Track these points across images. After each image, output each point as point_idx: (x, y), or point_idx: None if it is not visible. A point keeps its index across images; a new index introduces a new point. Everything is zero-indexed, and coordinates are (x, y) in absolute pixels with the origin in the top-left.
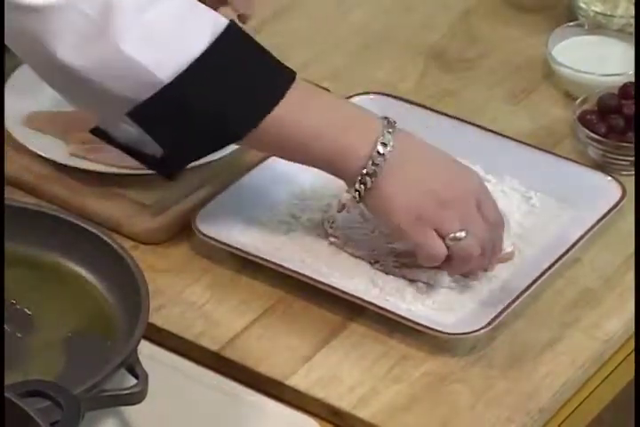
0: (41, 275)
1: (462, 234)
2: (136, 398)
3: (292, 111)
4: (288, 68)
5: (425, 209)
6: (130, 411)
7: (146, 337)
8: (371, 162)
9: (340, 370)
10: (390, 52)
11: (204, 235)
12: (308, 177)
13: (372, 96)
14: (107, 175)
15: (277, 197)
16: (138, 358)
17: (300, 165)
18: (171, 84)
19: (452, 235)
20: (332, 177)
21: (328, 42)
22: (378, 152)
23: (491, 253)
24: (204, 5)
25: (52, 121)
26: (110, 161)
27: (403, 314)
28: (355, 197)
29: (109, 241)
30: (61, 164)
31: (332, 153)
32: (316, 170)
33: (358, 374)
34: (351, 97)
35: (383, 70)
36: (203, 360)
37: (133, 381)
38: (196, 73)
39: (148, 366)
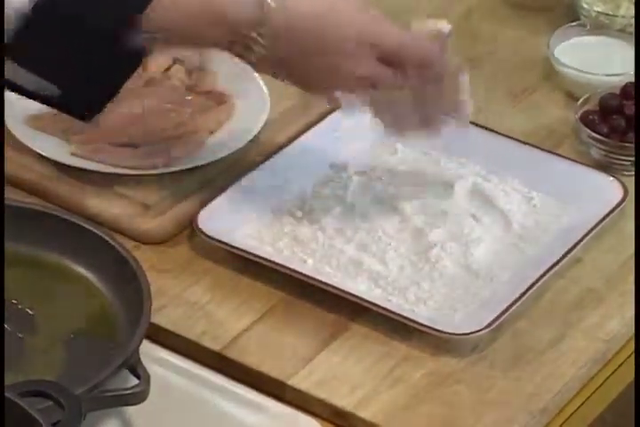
0: (42, 275)
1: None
2: (138, 398)
3: None
4: None
5: (327, 88)
6: (131, 411)
7: (147, 337)
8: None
9: (341, 370)
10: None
11: (206, 235)
12: (310, 178)
13: None
14: (108, 175)
15: (279, 198)
16: (139, 359)
17: (302, 166)
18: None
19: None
20: (328, 179)
21: None
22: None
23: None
24: None
25: (53, 121)
26: (112, 161)
27: (405, 314)
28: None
29: (111, 241)
30: (63, 163)
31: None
32: (317, 171)
33: (360, 375)
34: None
35: None
36: (204, 360)
37: (135, 381)
38: None
39: (150, 367)
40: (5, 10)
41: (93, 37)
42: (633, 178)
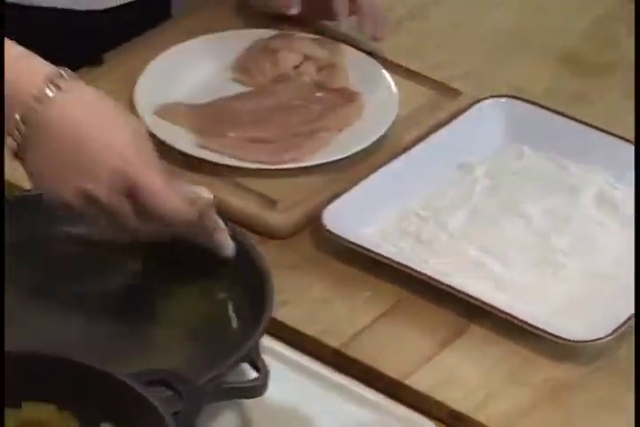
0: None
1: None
2: (256, 391)
3: None
4: None
5: (69, 202)
6: (248, 404)
7: (268, 332)
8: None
9: (460, 372)
10: (524, 55)
11: (330, 232)
12: (436, 178)
13: (503, 99)
14: (236, 169)
15: (404, 197)
16: (260, 353)
17: (429, 166)
18: None
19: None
20: (455, 180)
21: (462, 43)
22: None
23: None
24: None
25: (185, 113)
26: (241, 155)
27: (525, 319)
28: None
29: (236, 235)
30: (192, 156)
31: None
32: (443, 172)
33: (479, 377)
34: (483, 99)
35: (516, 73)
36: (323, 357)
37: (254, 375)
38: None
39: (269, 361)
40: None
41: None
42: None
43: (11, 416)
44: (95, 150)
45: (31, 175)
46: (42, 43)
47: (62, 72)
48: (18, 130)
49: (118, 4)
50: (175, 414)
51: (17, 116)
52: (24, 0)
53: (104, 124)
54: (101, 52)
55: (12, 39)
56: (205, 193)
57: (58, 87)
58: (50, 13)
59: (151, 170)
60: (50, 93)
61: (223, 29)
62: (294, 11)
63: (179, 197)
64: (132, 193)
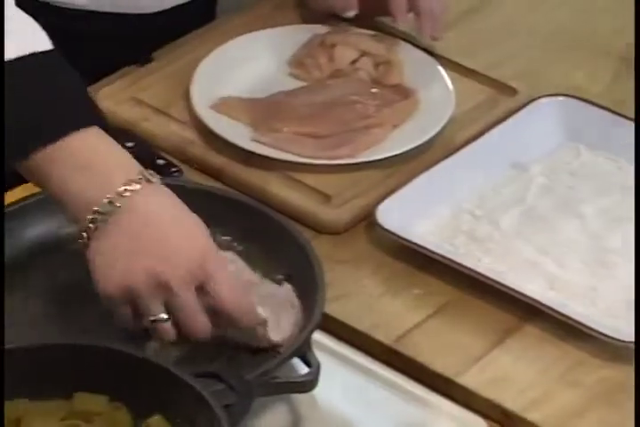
0: None
1: (162, 316)
2: (307, 386)
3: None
4: (88, 116)
5: (126, 288)
6: (297, 399)
7: (319, 327)
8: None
9: (512, 371)
10: (582, 55)
11: (384, 228)
12: (491, 176)
13: (560, 98)
14: (291, 164)
15: (458, 195)
16: (311, 347)
17: (484, 165)
18: None
19: (151, 317)
20: (509, 179)
21: (519, 42)
22: (94, 220)
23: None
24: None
25: (241, 107)
26: (296, 150)
27: (579, 319)
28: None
29: (290, 229)
30: (247, 150)
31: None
32: (498, 170)
33: (531, 377)
34: (539, 98)
35: (573, 72)
36: (374, 353)
37: (305, 369)
38: None
39: (320, 356)
40: None
41: None
42: None
43: (62, 407)
44: (178, 239)
45: (95, 260)
46: (94, 44)
47: (148, 173)
48: (95, 211)
49: (169, 6)
50: (226, 407)
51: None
52: (78, 5)
53: (186, 219)
54: (151, 52)
55: (68, 41)
56: (261, 311)
57: (147, 180)
58: (104, 16)
59: (226, 270)
60: (137, 186)
61: (280, 25)
62: (352, 13)
63: (250, 301)
64: (204, 288)
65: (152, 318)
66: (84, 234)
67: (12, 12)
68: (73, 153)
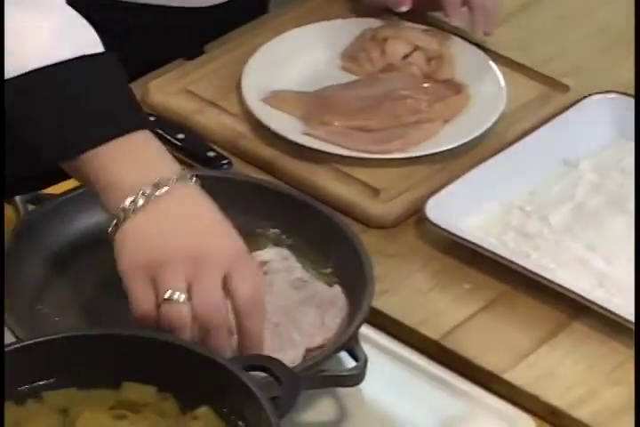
0: None
1: (176, 297)
2: (354, 380)
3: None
4: (136, 118)
5: (153, 260)
6: (343, 393)
7: (366, 321)
8: (133, 198)
9: (559, 368)
10: (633, 52)
11: (433, 223)
12: (541, 173)
13: (611, 95)
14: (342, 158)
15: (508, 191)
16: (359, 341)
17: (534, 161)
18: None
19: (165, 295)
20: (559, 176)
21: (573, 38)
22: (142, 192)
23: (214, 328)
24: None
25: (292, 100)
26: (346, 144)
27: (626, 316)
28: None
29: (339, 223)
30: (298, 143)
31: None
32: (549, 166)
33: (578, 374)
34: (591, 95)
35: (625, 70)
36: (421, 348)
37: (351, 362)
38: (37, 83)
39: (367, 350)
40: None
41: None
42: None
43: (110, 397)
44: (216, 231)
45: (127, 237)
46: (146, 37)
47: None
48: (137, 194)
49: (222, 0)
50: (273, 399)
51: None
52: None
53: (225, 221)
54: (203, 45)
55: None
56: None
57: (189, 178)
58: (157, 10)
59: (255, 275)
60: (179, 183)
61: (331, 18)
62: (405, 8)
63: (262, 310)
64: (227, 282)
65: (168, 295)
66: (121, 215)
67: (66, 12)
68: (121, 149)
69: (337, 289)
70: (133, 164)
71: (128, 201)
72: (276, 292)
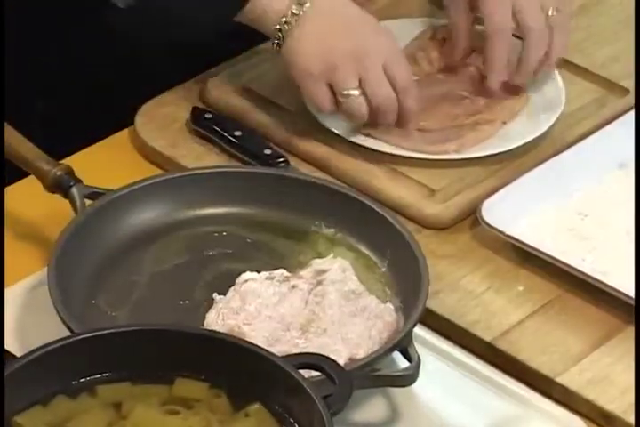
0: (328, 248)
1: (354, 92)
2: (407, 380)
3: None
4: None
5: (326, 60)
6: (395, 393)
7: (419, 321)
8: (285, 16)
9: (612, 373)
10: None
11: (488, 224)
12: (597, 176)
13: None
14: (397, 157)
15: (564, 193)
16: (412, 342)
17: (591, 164)
18: None
19: (344, 91)
20: (616, 179)
21: (632, 41)
22: (292, 11)
23: (389, 110)
24: None
25: None
26: (402, 144)
27: None
28: (274, 48)
29: (394, 222)
30: (353, 142)
31: (254, 12)
32: (605, 170)
33: (632, 379)
34: None
35: None
36: (474, 349)
37: (403, 362)
38: None
39: (419, 350)
40: None
41: None
42: None
43: (163, 392)
44: (373, 31)
45: (295, 47)
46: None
47: None
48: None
49: None
50: (325, 397)
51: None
52: None
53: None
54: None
55: None
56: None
57: None
58: None
59: (407, 65)
60: None
61: (392, 18)
62: None
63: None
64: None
65: (346, 92)
66: (279, 34)
67: None
68: None
69: (389, 307)
70: None
71: (281, 21)
72: (327, 302)
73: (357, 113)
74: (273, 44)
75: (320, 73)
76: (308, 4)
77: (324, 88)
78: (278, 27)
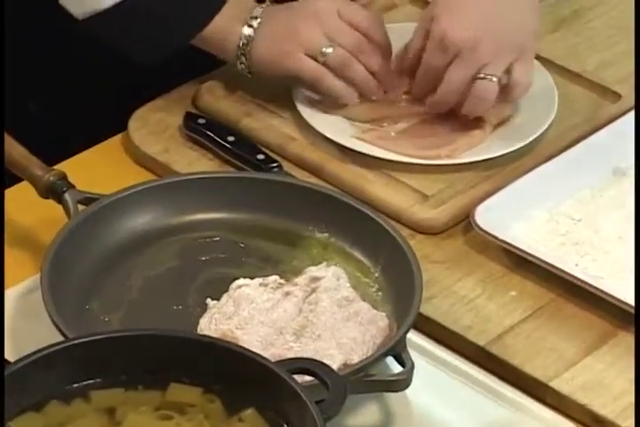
0: (321, 253)
1: (329, 49)
2: (400, 385)
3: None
4: None
5: (288, 33)
6: (389, 398)
7: (413, 326)
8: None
9: (605, 377)
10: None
11: (481, 229)
12: (591, 181)
13: None
14: (391, 162)
15: (557, 198)
16: (406, 347)
17: (584, 168)
18: None
19: (320, 50)
20: (609, 184)
21: (625, 46)
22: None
23: (370, 49)
24: None
25: (341, 104)
26: (395, 148)
27: None
28: (242, 68)
29: (388, 228)
30: (346, 147)
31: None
32: (599, 174)
33: (624, 384)
34: None
35: None
36: (467, 354)
37: (397, 367)
38: None
39: (413, 355)
40: None
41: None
42: None
43: (156, 397)
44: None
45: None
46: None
47: None
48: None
49: None
50: (319, 402)
51: None
52: None
53: None
54: None
55: None
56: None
57: None
58: None
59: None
60: None
61: (389, 22)
62: None
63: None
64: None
65: (322, 50)
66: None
67: None
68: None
69: (382, 315)
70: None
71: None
72: (320, 309)
73: (348, 68)
74: (241, 68)
75: (290, 45)
76: (258, 20)
77: (305, 58)
78: (239, 52)
